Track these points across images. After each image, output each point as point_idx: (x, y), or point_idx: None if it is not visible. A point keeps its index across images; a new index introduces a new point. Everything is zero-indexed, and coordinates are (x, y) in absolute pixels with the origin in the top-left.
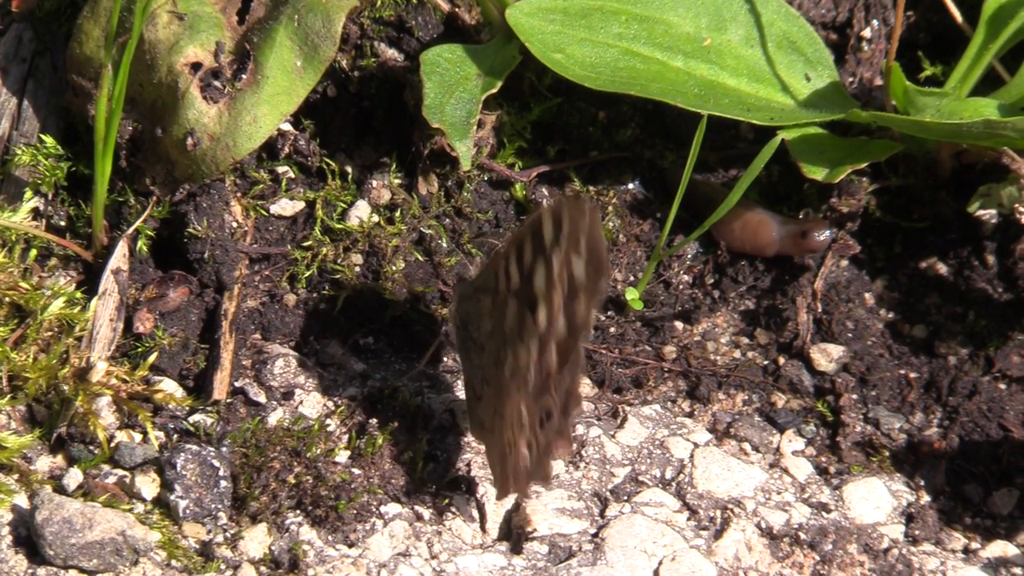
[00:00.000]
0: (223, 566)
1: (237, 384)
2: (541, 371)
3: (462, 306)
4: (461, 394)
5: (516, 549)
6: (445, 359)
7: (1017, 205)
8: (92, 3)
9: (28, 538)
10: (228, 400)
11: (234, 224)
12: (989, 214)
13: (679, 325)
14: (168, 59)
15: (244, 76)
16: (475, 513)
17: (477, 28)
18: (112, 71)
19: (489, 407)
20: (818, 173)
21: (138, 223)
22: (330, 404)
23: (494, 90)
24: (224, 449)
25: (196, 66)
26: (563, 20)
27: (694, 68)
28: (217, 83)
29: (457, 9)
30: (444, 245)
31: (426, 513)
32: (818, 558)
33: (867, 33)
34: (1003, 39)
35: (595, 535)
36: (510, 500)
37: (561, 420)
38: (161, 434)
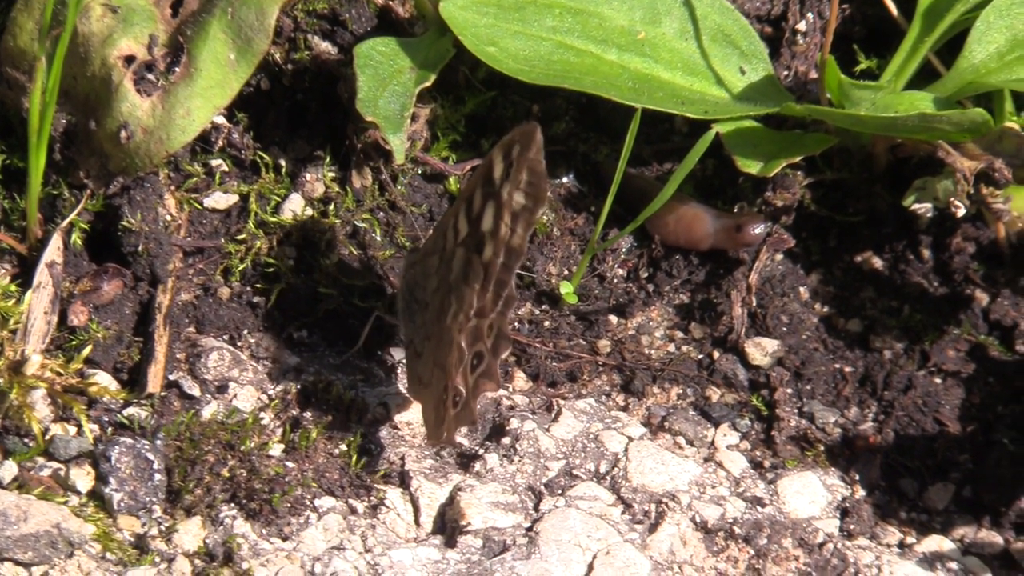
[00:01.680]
0: (158, 559)
1: (171, 377)
2: (480, 307)
3: (408, 272)
4: (395, 387)
5: (450, 543)
6: (379, 352)
7: (952, 199)
8: None
9: None
10: (162, 393)
11: (168, 217)
12: (924, 208)
13: (613, 319)
14: (102, 52)
15: (177, 69)
16: (409, 507)
17: (411, 21)
18: (46, 64)
19: (429, 361)
20: (753, 167)
21: (72, 216)
22: (264, 397)
23: (428, 83)
24: (158, 442)
25: (130, 59)
26: (496, 13)
27: (628, 61)
28: (151, 76)
29: (391, 2)
30: (378, 238)
31: (360, 507)
32: (753, 552)
33: (802, 26)
34: (939, 32)
35: (529, 529)
36: (444, 492)
37: (490, 360)
38: (96, 427)
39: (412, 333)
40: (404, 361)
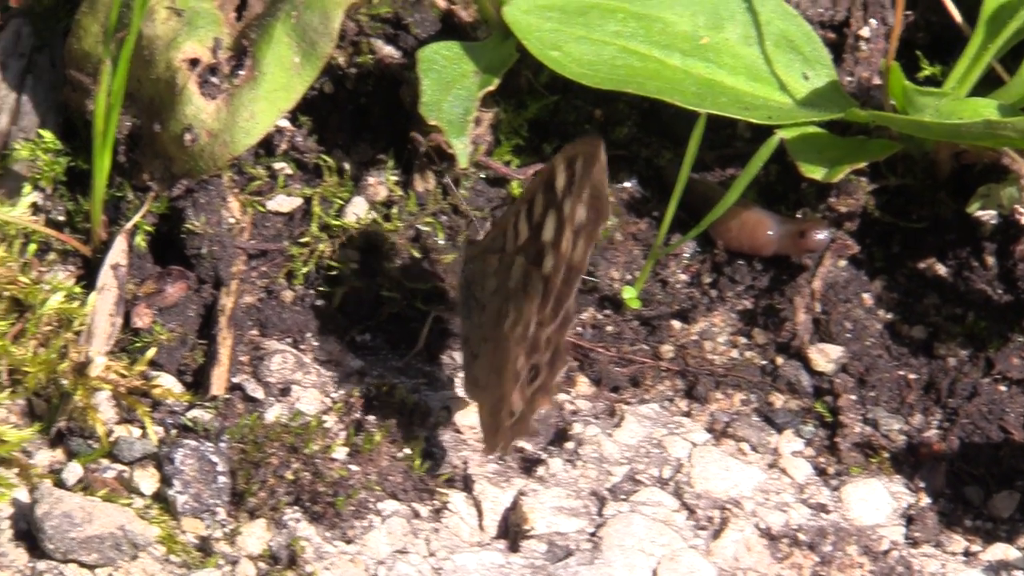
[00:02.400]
0: (222, 561)
1: (235, 380)
2: (539, 321)
3: (467, 267)
4: (458, 391)
5: (514, 547)
6: (441, 356)
7: (1017, 206)
8: None
9: (28, 532)
10: (226, 396)
11: (231, 220)
12: (988, 215)
13: (676, 324)
14: (166, 55)
15: (242, 72)
16: (472, 510)
17: (474, 25)
18: (111, 67)
19: (485, 365)
20: (816, 172)
21: (136, 218)
22: (327, 400)
23: (491, 87)
24: (222, 444)
25: (194, 62)
26: (560, 17)
27: (691, 66)
28: (215, 79)
29: (454, 6)
30: (440, 242)
31: (423, 510)
32: (817, 559)
33: (865, 32)
34: (1003, 39)
35: (593, 534)
36: (507, 496)
37: (547, 375)
38: (160, 429)
39: (469, 331)
40: (462, 361)
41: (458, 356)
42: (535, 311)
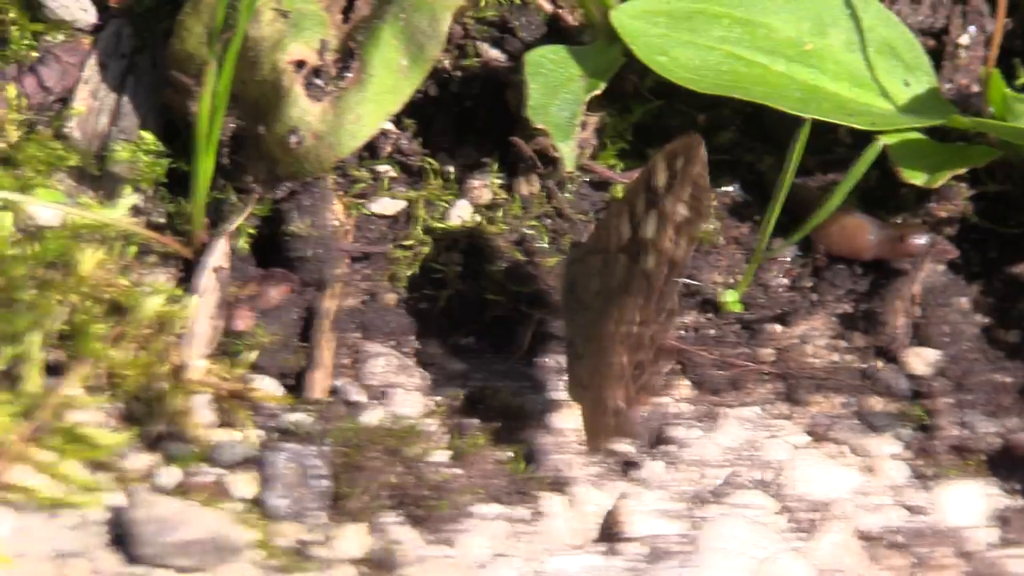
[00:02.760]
0: (321, 565)
1: (336, 383)
2: (643, 319)
3: (570, 269)
4: (560, 395)
5: (613, 550)
6: (543, 360)
7: None
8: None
9: (123, 536)
10: (328, 399)
11: (335, 223)
12: None
13: (777, 328)
14: (272, 56)
15: (349, 74)
16: (572, 513)
17: (579, 29)
18: (216, 68)
19: (590, 365)
20: (918, 178)
21: (239, 220)
22: (430, 403)
23: (598, 91)
24: (324, 448)
25: (300, 64)
26: (667, 23)
27: (796, 72)
28: (321, 81)
29: (560, 10)
30: (545, 245)
31: (524, 513)
32: (913, 560)
33: (964, 40)
34: None
35: (693, 536)
36: (607, 499)
37: (650, 373)
38: (261, 432)
39: (573, 333)
40: (566, 362)
41: (561, 359)
42: (638, 309)
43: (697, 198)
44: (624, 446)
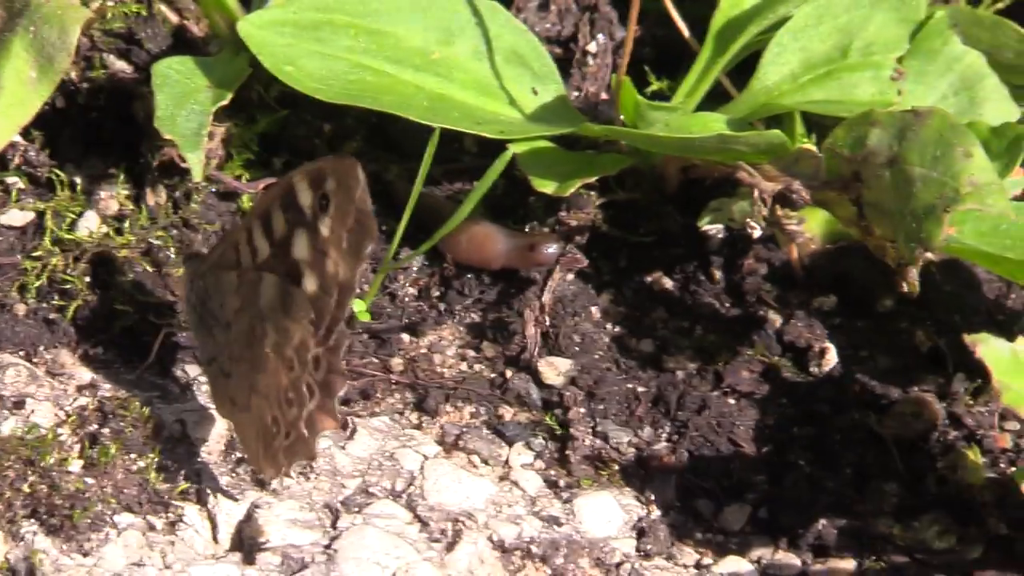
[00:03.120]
0: None
1: None
2: (302, 341)
3: (196, 284)
4: (191, 404)
5: (249, 559)
6: (174, 369)
7: (749, 220)
8: None
9: None
10: None
11: None
12: (716, 229)
13: (406, 337)
14: None
15: None
16: (207, 523)
17: (206, 40)
18: None
19: (243, 384)
20: (548, 186)
21: None
22: (61, 414)
23: (224, 102)
24: None
25: None
26: (293, 33)
27: (423, 81)
28: None
29: (186, 22)
30: (172, 256)
31: (159, 523)
32: (550, 571)
33: (592, 48)
34: (731, 53)
35: (327, 546)
36: (241, 509)
37: (326, 395)
38: None
39: (214, 351)
40: (207, 379)
41: (190, 369)
42: (307, 331)
43: (363, 224)
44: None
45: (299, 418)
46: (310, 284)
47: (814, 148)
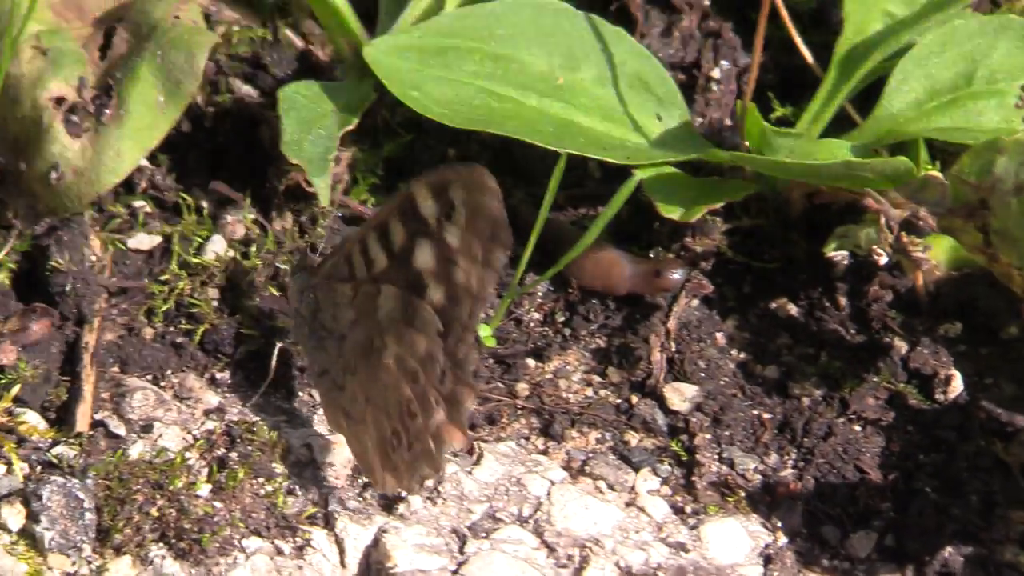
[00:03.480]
0: None
1: (97, 416)
2: (429, 353)
3: (304, 296)
4: (318, 428)
5: None
6: (300, 393)
7: (875, 247)
8: None
9: None
10: (90, 432)
11: (93, 258)
12: (841, 255)
13: (531, 363)
14: (32, 93)
15: (108, 111)
16: (334, 548)
17: (331, 65)
18: None
19: (357, 397)
20: (674, 212)
21: (0, 255)
22: (189, 438)
23: (351, 127)
24: (88, 481)
25: (60, 101)
26: (419, 58)
27: (548, 107)
28: (80, 118)
29: (311, 47)
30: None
31: (286, 547)
32: None
33: (716, 74)
34: (855, 80)
35: (455, 572)
36: (368, 534)
37: (453, 409)
38: (25, 465)
39: (326, 363)
40: (318, 392)
41: (316, 394)
42: (435, 343)
43: (496, 232)
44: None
45: (425, 430)
46: (436, 295)
47: (940, 175)
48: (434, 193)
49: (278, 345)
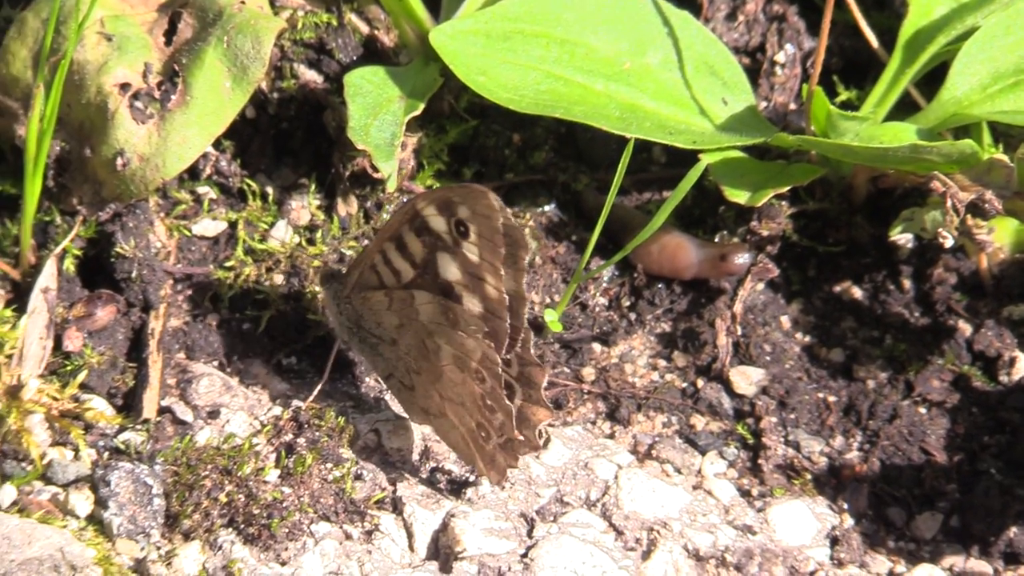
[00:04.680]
0: None
1: (164, 403)
2: (485, 353)
3: (344, 306)
4: (385, 413)
5: (445, 568)
6: (367, 379)
7: (940, 229)
8: (19, 24)
9: None
10: (156, 419)
11: (158, 244)
12: (905, 238)
13: (597, 347)
14: (97, 79)
15: (173, 97)
16: (403, 532)
17: (395, 50)
18: (43, 91)
19: (430, 394)
20: (741, 196)
21: (65, 242)
22: (256, 423)
23: (417, 112)
24: (156, 467)
25: (125, 86)
26: (485, 43)
27: (615, 92)
28: (146, 104)
29: (376, 31)
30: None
31: (355, 532)
32: None
33: (780, 58)
34: (920, 64)
35: (524, 555)
36: (437, 518)
37: (529, 390)
38: (93, 452)
39: (387, 367)
40: (392, 394)
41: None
42: (480, 343)
43: (512, 237)
44: (452, 466)
45: (506, 421)
46: (473, 305)
47: (1006, 158)
48: (439, 210)
49: (337, 343)
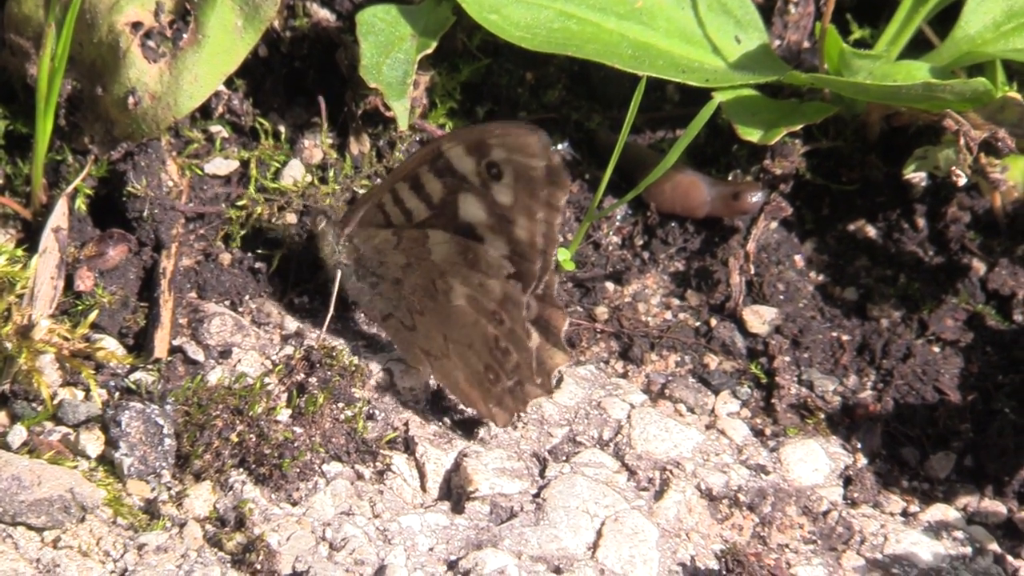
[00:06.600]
0: (169, 524)
1: (175, 342)
2: (505, 294)
3: (344, 243)
4: (399, 353)
5: (458, 508)
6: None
7: (954, 168)
8: None
9: None
10: (168, 358)
11: (170, 183)
12: (919, 177)
13: (610, 286)
14: (109, 18)
15: (185, 36)
16: (415, 472)
17: None
18: (55, 30)
19: (433, 335)
20: (753, 135)
21: (77, 182)
22: (267, 363)
23: (429, 50)
24: (167, 407)
25: (137, 25)
26: None
27: (627, 30)
28: (158, 42)
29: None
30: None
31: (367, 472)
32: (758, 520)
33: None
34: (933, 2)
35: (536, 495)
36: (449, 458)
37: (549, 333)
38: (103, 392)
39: (386, 307)
40: (388, 335)
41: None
42: (511, 287)
43: (554, 180)
44: (464, 406)
45: (524, 363)
46: (497, 246)
47: (1019, 96)
48: (469, 151)
49: (336, 281)
